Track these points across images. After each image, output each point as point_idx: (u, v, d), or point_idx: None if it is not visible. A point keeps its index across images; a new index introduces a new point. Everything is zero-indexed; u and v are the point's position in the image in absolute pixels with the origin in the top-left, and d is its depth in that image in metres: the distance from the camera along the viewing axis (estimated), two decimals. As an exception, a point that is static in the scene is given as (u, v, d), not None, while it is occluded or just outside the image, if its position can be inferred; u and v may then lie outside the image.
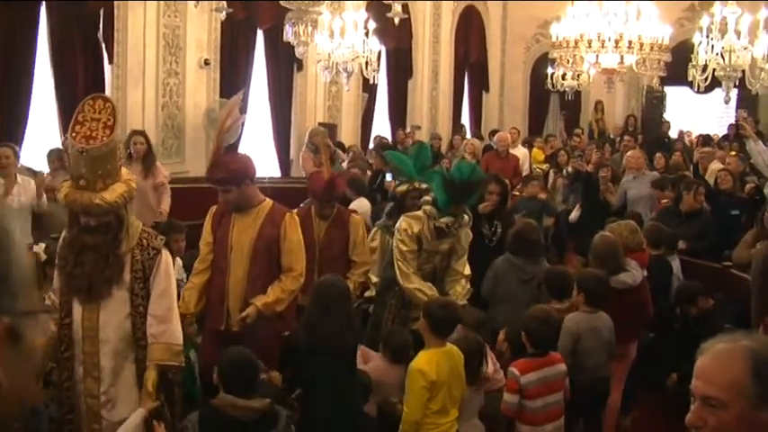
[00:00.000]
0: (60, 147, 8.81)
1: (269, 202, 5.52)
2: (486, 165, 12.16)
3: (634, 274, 6.13)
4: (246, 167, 5.42)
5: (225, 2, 7.55)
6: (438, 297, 5.20)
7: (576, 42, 11.49)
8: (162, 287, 4.35)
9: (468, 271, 6.38)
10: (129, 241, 4.30)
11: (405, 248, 6.04)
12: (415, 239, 6.06)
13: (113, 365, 4.33)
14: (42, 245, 6.11)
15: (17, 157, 8.18)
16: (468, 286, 6.38)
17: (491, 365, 5.33)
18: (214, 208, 5.63)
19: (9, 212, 7.42)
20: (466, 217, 6.17)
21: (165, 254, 4.41)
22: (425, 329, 4.88)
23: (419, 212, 6.13)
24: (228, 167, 5.30)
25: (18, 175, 7.95)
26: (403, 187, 6.75)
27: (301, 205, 7.00)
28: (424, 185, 6.58)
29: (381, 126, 16.41)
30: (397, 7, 6.34)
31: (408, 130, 15.90)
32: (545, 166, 13.75)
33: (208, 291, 5.53)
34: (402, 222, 6.13)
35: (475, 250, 6.72)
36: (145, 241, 4.35)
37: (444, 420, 4.73)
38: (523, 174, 12.68)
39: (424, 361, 4.73)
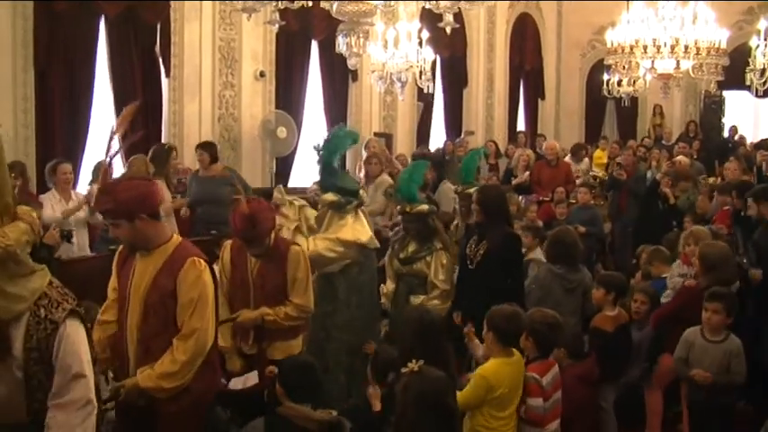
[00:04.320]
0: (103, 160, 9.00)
1: (175, 241, 4.32)
2: (538, 173, 12.05)
3: None
4: (141, 200, 4.18)
5: (278, 14, 7.63)
6: (503, 307, 4.92)
7: (632, 48, 11.39)
8: (63, 371, 3.14)
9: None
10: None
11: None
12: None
13: None
14: None
15: (75, 173, 8.41)
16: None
17: None
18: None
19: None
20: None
21: (72, 326, 3.19)
22: (491, 340, 4.87)
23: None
24: (117, 197, 4.14)
25: (73, 192, 8.16)
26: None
27: None
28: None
29: (437, 135, 16.43)
30: (449, 17, 6.33)
31: (461, 137, 15.77)
32: (602, 174, 13.60)
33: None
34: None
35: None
36: (42, 311, 3.14)
37: (501, 414, 4.74)
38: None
39: (491, 371, 4.74)
